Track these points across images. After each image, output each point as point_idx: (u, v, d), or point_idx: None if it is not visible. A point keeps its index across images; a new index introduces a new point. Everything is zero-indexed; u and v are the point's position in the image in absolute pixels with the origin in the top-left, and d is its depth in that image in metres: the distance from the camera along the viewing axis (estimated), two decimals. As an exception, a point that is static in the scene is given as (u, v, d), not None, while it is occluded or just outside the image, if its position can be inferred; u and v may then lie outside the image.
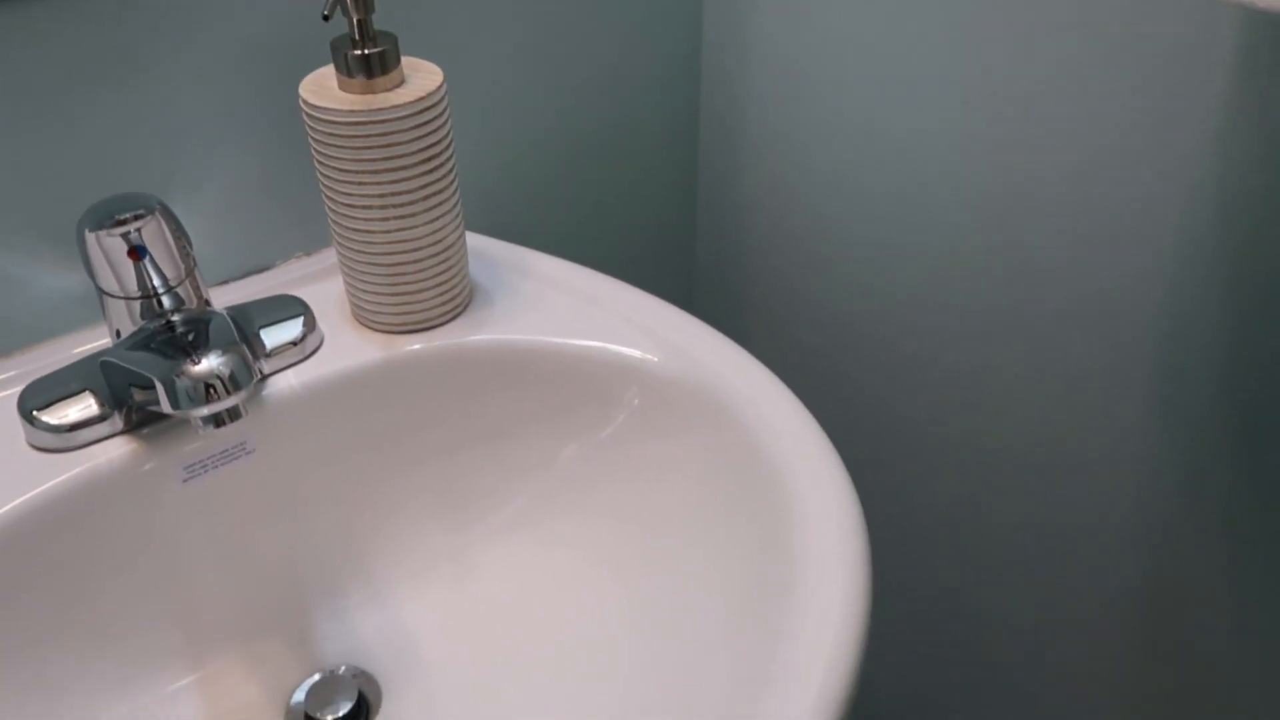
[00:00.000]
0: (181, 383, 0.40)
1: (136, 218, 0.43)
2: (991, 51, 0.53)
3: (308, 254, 0.59)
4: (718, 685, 0.43)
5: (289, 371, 0.51)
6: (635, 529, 0.52)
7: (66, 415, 0.46)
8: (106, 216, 0.43)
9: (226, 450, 0.49)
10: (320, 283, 0.57)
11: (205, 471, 0.49)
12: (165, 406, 0.41)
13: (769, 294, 0.77)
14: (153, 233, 0.43)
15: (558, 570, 0.54)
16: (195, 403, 0.40)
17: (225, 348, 0.41)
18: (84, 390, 0.47)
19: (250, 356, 0.42)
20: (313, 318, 0.52)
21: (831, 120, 0.64)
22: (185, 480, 0.48)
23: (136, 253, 0.43)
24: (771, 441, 0.48)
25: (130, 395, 0.46)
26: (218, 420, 0.41)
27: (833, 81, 0.63)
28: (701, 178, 0.78)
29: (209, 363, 0.41)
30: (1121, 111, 0.49)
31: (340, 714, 0.51)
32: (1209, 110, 0.45)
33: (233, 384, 0.41)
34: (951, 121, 0.57)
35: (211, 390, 0.40)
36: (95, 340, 0.52)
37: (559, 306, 0.55)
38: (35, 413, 0.46)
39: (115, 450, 0.46)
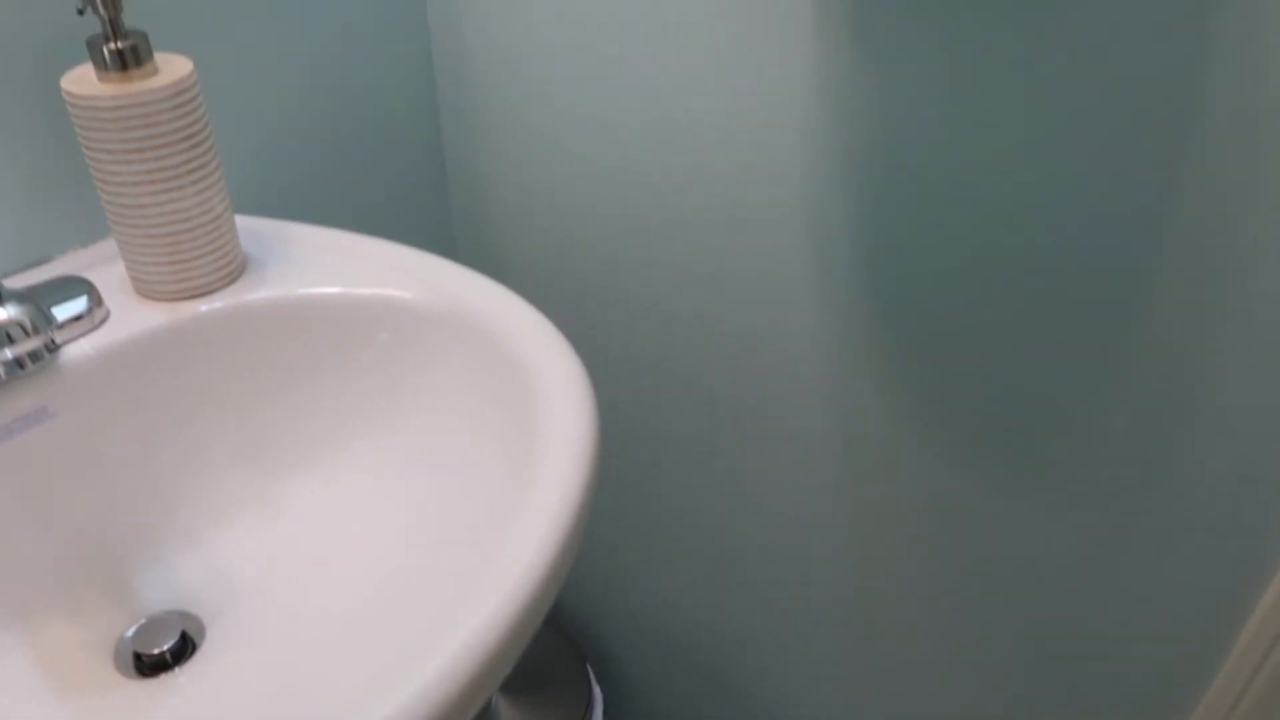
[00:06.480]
0: (-17, 332, 0.46)
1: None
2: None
3: (84, 246, 0.64)
4: (485, 528, 0.51)
5: (83, 340, 0.56)
6: (414, 441, 0.61)
7: None
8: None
9: (29, 415, 0.54)
10: (100, 268, 0.62)
11: (11, 436, 0.54)
12: (-32, 355, 0.46)
13: (519, 245, 0.87)
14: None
15: (353, 491, 0.62)
16: (-2, 347, 0.46)
17: (19, 300, 0.47)
18: (-119, 372, 0.51)
19: (42, 305, 0.48)
20: (98, 294, 0.58)
21: (545, 100, 0.76)
22: (-8, 446, 0.53)
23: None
24: (517, 348, 0.57)
25: (-70, 369, 0.51)
26: (20, 362, 0.47)
27: (545, 67, 0.74)
28: (447, 153, 0.87)
29: (6, 312, 0.46)
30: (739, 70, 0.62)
31: (166, 646, 0.57)
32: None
33: (33, 327, 0.47)
34: (629, 99, 0.69)
35: (10, 336, 0.46)
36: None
37: (326, 263, 0.63)
38: None
39: (-80, 421, 0.51)
